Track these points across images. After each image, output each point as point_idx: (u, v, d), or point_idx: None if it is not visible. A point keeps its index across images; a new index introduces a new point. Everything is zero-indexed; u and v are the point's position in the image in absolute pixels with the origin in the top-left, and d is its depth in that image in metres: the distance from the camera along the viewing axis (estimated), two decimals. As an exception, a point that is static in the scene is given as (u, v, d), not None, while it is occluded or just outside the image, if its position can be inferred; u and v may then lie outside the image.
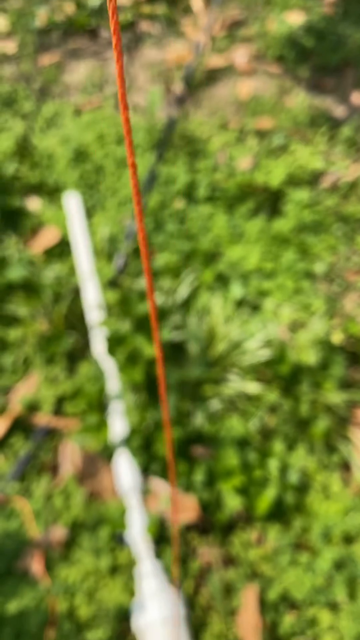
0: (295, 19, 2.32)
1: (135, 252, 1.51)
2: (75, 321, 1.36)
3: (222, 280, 1.48)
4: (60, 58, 2.11)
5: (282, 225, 1.59)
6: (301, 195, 1.66)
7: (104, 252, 1.49)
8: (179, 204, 1.63)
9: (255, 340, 1.29)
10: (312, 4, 2.42)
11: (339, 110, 2.02)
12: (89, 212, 1.60)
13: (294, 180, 1.73)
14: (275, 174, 1.71)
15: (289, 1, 2.43)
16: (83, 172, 1.68)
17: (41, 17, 2.24)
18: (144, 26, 2.26)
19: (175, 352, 1.29)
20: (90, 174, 1.68)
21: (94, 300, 1.35)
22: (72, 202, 1.56)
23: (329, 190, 1.73)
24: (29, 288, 1.37)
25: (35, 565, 1.07)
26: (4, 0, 2.34)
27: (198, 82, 2.05)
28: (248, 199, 1.67)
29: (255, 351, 1.27)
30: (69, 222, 1.53)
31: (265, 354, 1.27)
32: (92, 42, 2.19)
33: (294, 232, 1.59)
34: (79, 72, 2.07)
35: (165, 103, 1.97)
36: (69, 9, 2.28)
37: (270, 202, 1.68)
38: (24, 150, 1.73)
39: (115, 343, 1.23)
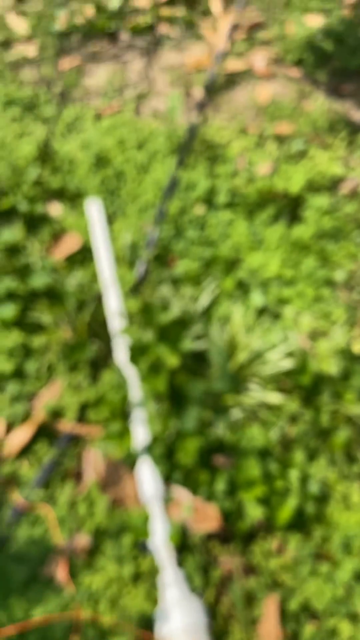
0: (314, 22, 2.31)
1: (157, 259, 1.52)
2: (98, 328, 1.38)
3: (243, 288, 1.49)
4: (80, 61, 2.12)
5: (302, 231, 1.60)
6: (321, 201, 1.67)
7: (126, 259, 1.51)
8: (199, 210, 1.64)
9: (276, 351, 1.30)
10: (331, 6, 2.41)
11: (358, 115, 2.01)
12: (110, 218, 1.61)
13: (313, 186, 1.73)
14: (294, 180, 1.71)
15: (308, 4, 2.42)
16: (104, 178, 1.69)
17: (61, 20, 2.25)
18: (164, 29, 2.27)
19: (197, 361, 1.30)
20: (111, 179, 1.69)
21: (116, 308, 1.37)
22: (94, 208, 1.57)
23: (348, 197, 1.73)
24: (53, 295, 1.38)
25: (60, 572, 1.08)
26: (24, 4, 2.35)
27: (217, 86, 2.05)
28: (268, 205, 1.67)
29: (277, 362, 1.28)
30: (90, 228, 1.55)
31: (286, 365, 1.28)
32: (112, 45, 2.20)
33: (313, 238, 1.59)
34: (99, 75, 2.08)
35: (184, 107, 1.98)
36: (89, 12, 2.28)
37: (290, 208, 1.69)
38: (45, 155, 1.75)
39: (137, 352, 1.24)
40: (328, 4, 2.42)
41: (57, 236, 1.56)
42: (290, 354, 1.31)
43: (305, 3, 2.43)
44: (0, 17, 2.29)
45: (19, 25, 2.24)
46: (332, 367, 1.30)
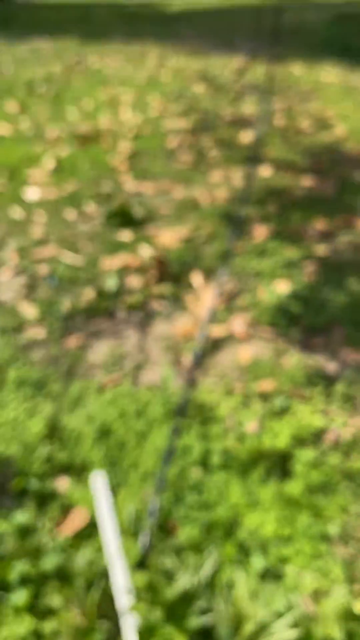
0: (282, 288, 2.71)
1: (160, 528, 1.62)
2: (107, 606, 1.42)
3: (243, 551, 1.56)
4: (84, 340, 2.44)
5: (293, 488, 1.72)
6: (307, 455, 1.82)
7: (130, 530, 1.60)
8: (196, 473, 1.78)
9: (281, 622, 1.34)
10: (295, 272, 2.84)
11: (331, 367, 2.27)
12: (114, 489, 1.74)
13: (299, 441, 1.90)
14: (281, 437, 1.88)
15: (275, 272, 2.85)
16: (107, 450, 1.86)
17: (66, 304, 2.63)
18: (154, 305, 2.64)
19: (203, 635, 1.33)
20: (114, 450, 1.86)
21: (122, 584, 1.43)
22: (99, 482, 1.71)
23: (332, 448, 1.89)
24: (63, 576, 1.45)
25: None
26: (34, 292, 2.77)
27: (204, 352, 2.34)
28: (259, 463, 1.82)
29: (282, 632, 1.31)
30: (96, 502, 1.67)
31: (292, 635, 1.31)
32: (111, 323, 2.54)
33: (305, 494, 1.71)
34: (101, 351, 2.37)
35: (176, 373, 2.23)
36: (89, 295, 2.68)
37: (280, 464, 1.83)
38: (53, 431, 1.94)
39: (145, 634, 1.28)
40: (292, 270, 2.86)
41: (65, 511, 1.67)
42: (294, 623, 1.34)
43: (272, 271, 2.86)
44: (13, 305, 2.67)
45: (30, 311, 2.62)
46: (335, 631, 1.33)
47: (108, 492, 1.70)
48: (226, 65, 6.88)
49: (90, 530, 1.62)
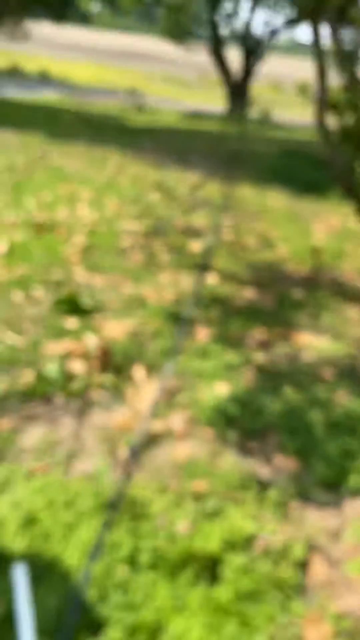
0: (221, 389, 2.75)
1: (83, 627, 1.52)
2: None
3: None
4: (16, 423, 2.37)
5: (222, 594, 1.67)
6: (237, 561, 1.78)
7: (49, 628, 1.50)
8: (123, 571, 1.71)
9: None
10: (234, 376, 2.91)
11: (264, 472, 2.28)
12: (36, 582, 1.64)
13: (229, 545, 1.87)
14: (211, 539, 1.85)
15: (215, 373, 2.91)
16: (31, 540, 1.76)
17: (1, 385, 2.57)
18: (94, 394, 2.62)
19: None
20: (39, 541, 1.77)
21: None
22: (19, 576, 1.61)
23: (262, 555, 1.86)
24: None
25: None
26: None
27: (140, 446, 2.31)
28: (188, 565, 1.76)
29: None
30: (14, 597, 1.56)
31: None
32: (48, 408, 2.49)
33: (234, 601, 1.66)
34: (33, 436, 2.31)
35: (111, 466, 2.19)
36: (28, 378, 2.64)
37: (210, 567, 1.78)
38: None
39: None
40: (231, 374, 2.92)
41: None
42: None
43: (213, 373, 2.91)
44: None
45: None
46: None
47: (27, 590, 1.59)
48: (181, 180, 7.31)
49: (9, 625, 1.50)
